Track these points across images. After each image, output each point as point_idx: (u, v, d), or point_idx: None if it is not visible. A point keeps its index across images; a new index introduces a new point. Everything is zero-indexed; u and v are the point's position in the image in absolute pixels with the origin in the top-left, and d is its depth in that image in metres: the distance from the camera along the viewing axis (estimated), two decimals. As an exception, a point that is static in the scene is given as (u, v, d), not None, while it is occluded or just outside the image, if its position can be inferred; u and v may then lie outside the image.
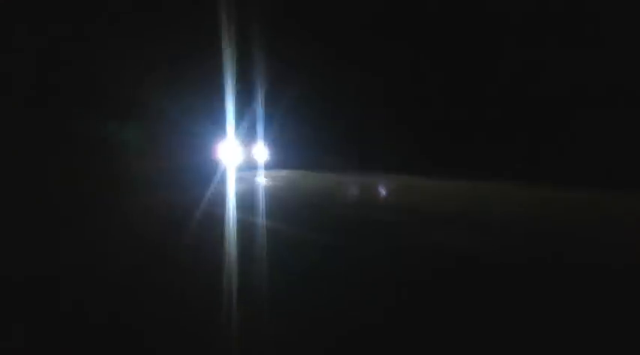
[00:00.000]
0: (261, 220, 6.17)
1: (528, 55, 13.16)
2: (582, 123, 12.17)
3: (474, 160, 12.80)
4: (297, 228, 5.75)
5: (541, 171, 11.43)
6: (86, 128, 7.43)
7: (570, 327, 2.86)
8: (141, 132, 8.34)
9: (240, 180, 11.06)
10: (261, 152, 13.91)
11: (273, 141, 14.07)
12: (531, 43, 13.01)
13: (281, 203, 8.10)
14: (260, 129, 12.97)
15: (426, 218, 6.63)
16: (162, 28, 9.07)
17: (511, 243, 5.00)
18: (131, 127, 8.17)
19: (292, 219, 6.43)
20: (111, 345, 2.60)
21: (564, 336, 2.75)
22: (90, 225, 5.55)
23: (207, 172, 9.15)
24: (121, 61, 8.05)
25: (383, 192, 10.37)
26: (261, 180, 12.05)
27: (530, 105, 13.26)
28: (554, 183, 10.06)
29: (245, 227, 5.61)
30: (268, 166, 13.95)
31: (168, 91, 8.97)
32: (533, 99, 13.20)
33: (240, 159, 12.64)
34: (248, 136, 12.63)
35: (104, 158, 7.55)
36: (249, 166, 13.25)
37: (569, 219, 6.57)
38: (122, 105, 8.08)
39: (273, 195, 9.28)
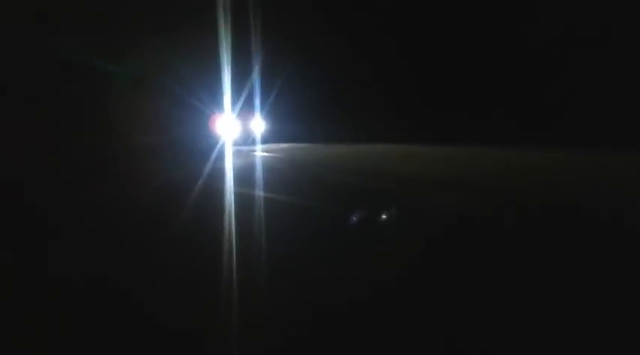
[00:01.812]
0: (262, 192, 6.17)
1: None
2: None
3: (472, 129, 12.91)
4: (298, 198, 5.75)
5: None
6: (82, 99, 7.34)
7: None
8: (139, 105, 8.27)
9: (238, 153, 11.01)
10: (259, 125, 13.80)
11: (271, 114, 13.96)
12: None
13: (281, 175, 8.09)
14: (257, 102, 12.84)
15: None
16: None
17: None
18: (130, 100, 8.10)
19: (292, 190, 6.43)
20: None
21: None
22: (88, 195, 5.51)
23: (205, 146, 9.10)
24: (117, 34, 7.89)
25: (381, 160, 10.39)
26: (260, 153, 12.01)
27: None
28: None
29: (245, 199, 5.60)
30: (266, 139, 13.87)
31: (165, 64, 8.83)
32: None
33: (238, 132, 12.55)
34: (245, 109, 12.51)
35: (103, 130, 7.48)
36: (247, 140, 13.17)
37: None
38: (121, 77, 7.98)
39: (272, 167, 9.27)
